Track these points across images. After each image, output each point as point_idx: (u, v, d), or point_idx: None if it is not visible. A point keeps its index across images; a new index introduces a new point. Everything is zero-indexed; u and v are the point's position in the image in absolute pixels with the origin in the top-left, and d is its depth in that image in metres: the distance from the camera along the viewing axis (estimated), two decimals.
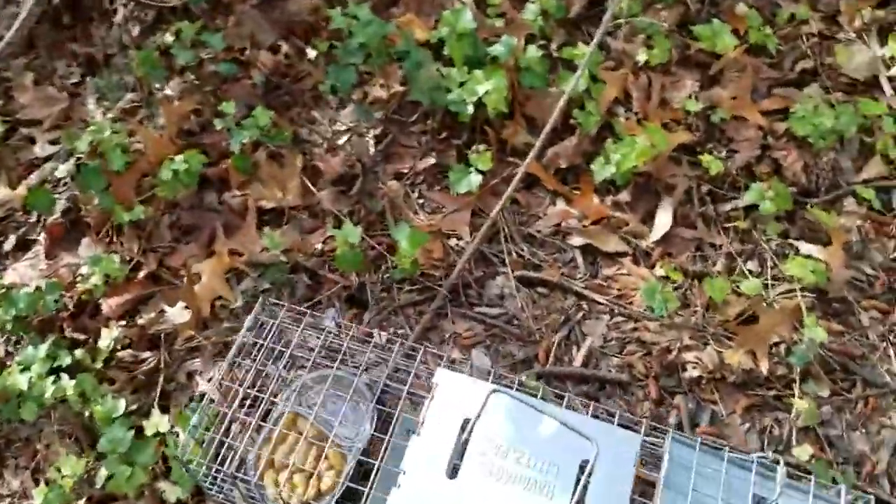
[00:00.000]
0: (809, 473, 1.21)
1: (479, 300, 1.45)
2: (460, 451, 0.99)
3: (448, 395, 1.03)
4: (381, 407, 1.21)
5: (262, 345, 1.15)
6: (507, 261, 1.48)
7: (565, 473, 0.97)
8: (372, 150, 1.60)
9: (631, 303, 1.42)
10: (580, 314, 1.42)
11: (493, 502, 0.95)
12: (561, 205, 1.54)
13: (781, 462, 0.95)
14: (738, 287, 1.40)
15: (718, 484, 0.98)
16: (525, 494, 0.96)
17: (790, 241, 1.45)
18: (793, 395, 1.30)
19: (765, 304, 1.36)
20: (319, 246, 1.51)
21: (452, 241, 1.52)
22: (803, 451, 1.24)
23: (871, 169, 1.51)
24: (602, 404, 1.32)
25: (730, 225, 1.48)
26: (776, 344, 1.35)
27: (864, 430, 1.27)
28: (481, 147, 1.58)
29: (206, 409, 1.14)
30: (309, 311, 1.16)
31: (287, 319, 1.18)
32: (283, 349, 1.20)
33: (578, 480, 0.96)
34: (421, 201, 1.57)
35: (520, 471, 0.97)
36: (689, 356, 1.34)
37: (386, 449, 1.01)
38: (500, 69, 1.54)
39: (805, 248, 1.41)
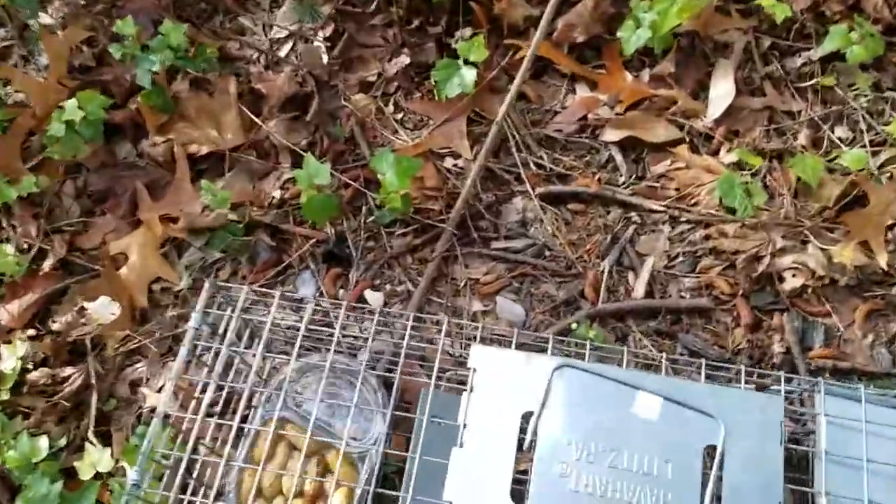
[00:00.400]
0: None
1: (496, 233, 1.11)
2: (525, 461, 0.67)
3: (492, 382, 0.71)
4: (400, 414, 0.88)
5: (224, 334, 0.81)
6: (523, 176, 1.13)
7: (685, 468, 0.66)
8: (325, 57, 1.22)
9: (696, 204, 1.09)
10: (631, 229, 1.09)
11: None
12: (583, 91, 1.18)
13: None
14: (832, 162, 1.06)
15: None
16: None
17: (885, 94, 1.11)
18: None
19: (871, 180, 1.03)
20: (277, 194, 1.15)
21: (448, 162, 1.16)
22: None
23: None
24: (680, 342, 1.00)
25: (805, 84, 1.14)
26: (891, 227, 1.02)
27: None
28: (467, 32, 1.20)
29: (161, 429, 0.81)
30: (281, 290, 0.81)
31: (252, 295, 0.84)
32: (255, 336, 0.86)
33: (706, 476, 0.64)
34: (399, 116, 1.20)
35: (618, 479, 0.66)
36: (785, 261, 1.02)
37: (414, 451, 0.69)
38: None
39: None
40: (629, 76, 1.16)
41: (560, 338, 0.81)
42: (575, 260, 1.08)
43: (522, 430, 0.68)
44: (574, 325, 1.01)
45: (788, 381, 0.75)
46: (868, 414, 0.69)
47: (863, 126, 1.09)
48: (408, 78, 1.21)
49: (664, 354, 0.76)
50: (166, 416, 0.97)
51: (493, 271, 1.09)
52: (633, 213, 1.10)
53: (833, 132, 1.10)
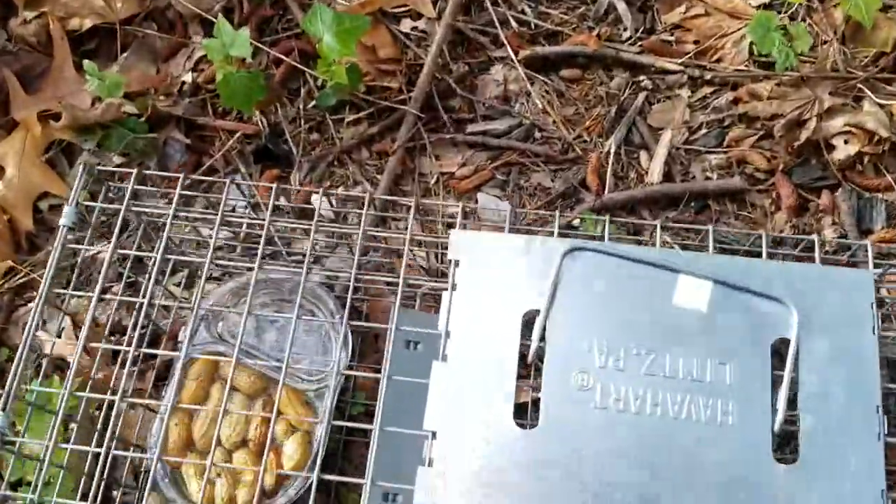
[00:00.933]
0: None
1: (472, 113, 0.88)
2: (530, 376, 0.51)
3: (482, 276, 0.52)
4: (360, 324, 0.68)
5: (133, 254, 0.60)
6: (502, 37, 0.89)
7: (748, 370, 0.49)
8: None
9: (720, 60, 0.86)
10: (641, 98, 0.86)
11: (618, 471, 0.46)
12: None
13: None
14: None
15: None
16: (682, 431, 0.47)
17: None
18: None
19: None
20: (189, 77, 0.90)
21: (406, 25, 0.92)
22: None
23: None
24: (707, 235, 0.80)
25: None
26: None
27: None
28: None
29: (28, 360, 0.62)
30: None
31: (163, 206, 0.62)
32: (171, 256, 0.64)
33: (776, 379, 0.48)
34: None
35: (659, 390, 0.48)
36: (835, 124, 0.81)
37: (385, 380, 0.50)
38: None
39: None
40: None
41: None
42: (572, 141, 0.86)
43: (525, 338, 0.50)
44: (577, 222, 0.80)
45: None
46: None
47: None
48: None
49: (710, 227, 0.55)
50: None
51: (470, 162, 0.87)
52: (642, 77, 0.87)
53: None
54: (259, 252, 0.58)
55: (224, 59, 0.80)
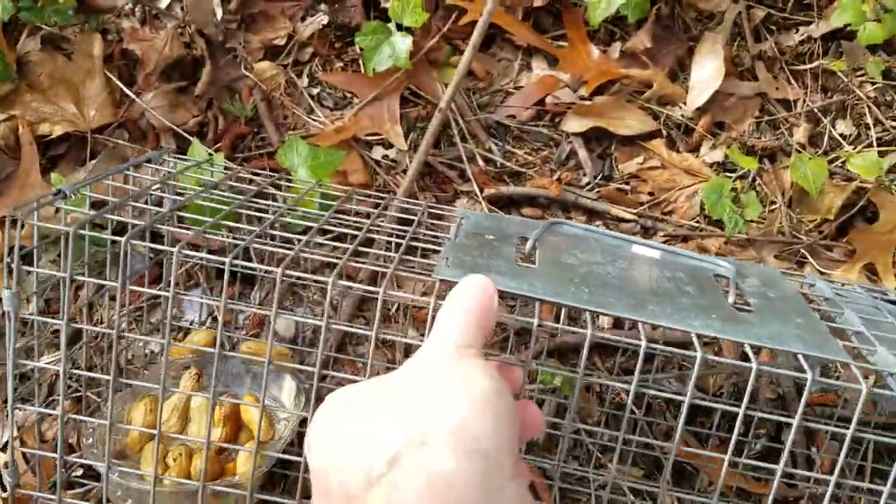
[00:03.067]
0: None
1: (439, 246, 0.90)
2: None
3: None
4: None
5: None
6: (469, 173, 0.92)
7: (700, 280, 0.54)
8: (219, 12, 0.96)
9: (672, 212, 0.90)
10: None
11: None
12: (541, 68, 0.97)
13: None
14: (833, 165, 0.90)
15: None
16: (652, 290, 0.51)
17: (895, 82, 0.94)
18: None
19: (884, 189, 0.87)
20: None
21: (378, 153, 0.94)
22: None
23: None
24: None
25: (805, 67, 0.95)
26: None
27: None
28: None
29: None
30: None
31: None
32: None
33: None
34: (316, 91, 0.96)
35: (634, 272, 0.54)
36: None
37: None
38: None
39: None
40: (596, 51, 0.95)
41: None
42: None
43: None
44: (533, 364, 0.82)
45: None
46: None
47: (869, 120, 0.92)
48: (326, 42, 0.97)
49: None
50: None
51: (430, 292, 0.89)
52: (598, 222, 0.91)
53: (834, 127, 0.93)
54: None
55: (195, 182, 0.82)
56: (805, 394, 0.43)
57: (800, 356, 0.45)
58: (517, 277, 0.48)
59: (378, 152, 0.94)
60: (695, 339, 0.45)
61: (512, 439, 0.31)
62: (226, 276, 0.51)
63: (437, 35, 0.94)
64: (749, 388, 0.43)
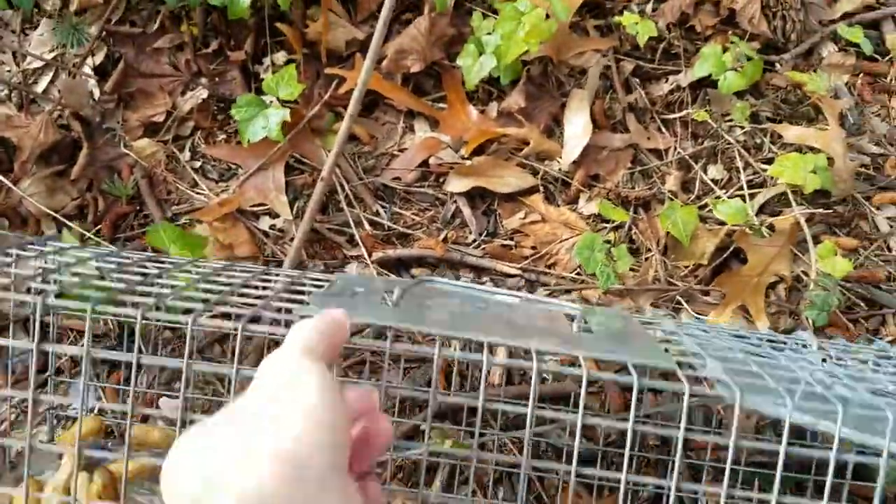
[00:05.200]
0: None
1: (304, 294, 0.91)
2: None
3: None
4: None
5: None
6: (357, 238, 0.93)
7: (555, 318, 0.56)
8: (96, 92, 0.96)
9: (554, 265, 0.93)
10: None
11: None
12: (423, 130, 0.99)
13: None
14: (705, 210, 0.93)
15: None
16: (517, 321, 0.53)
17: (764, 125, 0.98)
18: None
19: (750, 232, 0.91)
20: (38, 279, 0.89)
21: (265, 223, 0.95)
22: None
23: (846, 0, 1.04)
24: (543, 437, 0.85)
25: (674, 116, 0.99)
26: (773, 286, 0.90)
27: None
28: (280, 57, 0.98)
29: None
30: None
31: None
32: None
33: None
34: (199, 164, 0.97)
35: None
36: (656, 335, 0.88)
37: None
38: None
39: (792, 132, 0.95)
40: (474, 112, 0.97)
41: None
42: (423, 339, 0.89)
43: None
44: (421, 426, 0.84)
45: None
46: None
47: (739, 164, 0.96)
48: (207, 115, 0.97)
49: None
50: None
51: None
52: (485, 278, 0.93)
53: (706, 173, 0.97)
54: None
55: (69, 272, 0.81)
56: (634, 397, 0.45)
57: (629, 364, 0.47)
58: (375, 313, 0.49)
59: (265, 222, 0.94)
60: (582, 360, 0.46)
61: (339, 454, 0.33)
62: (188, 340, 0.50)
63: (319, 103, 0.96)
64: (582, 398, 0.45)
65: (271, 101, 0.92)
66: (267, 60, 0.98)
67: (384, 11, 0.83)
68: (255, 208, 0.95)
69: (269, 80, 0.91)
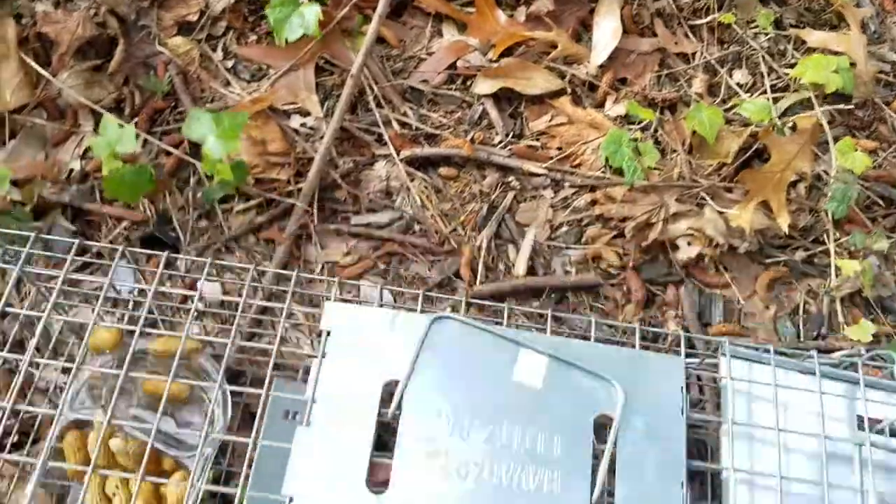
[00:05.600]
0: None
1: (357, 206, 0.93)
2: (386, 442, 0.56)
3: (350, 346, 0.57)
4: (236, 388, 0.69)
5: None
6: (386, 137, 0.95)
7: (575, 443, 0.55)
8: None
9: (580, 165, 0.95)
10: (510, 196, 0.94)
11: None
12: (451, 34, 1.00)
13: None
14: (731, 113, 0.95)
15: (808, 411, 0.58)
16: (514, 498, 0.53)
17: (787, 31, 1.00)
18: (829, 255, 0.89)
19: (773, 132, 0.92)
20: (78, 165, 0.92)
21: (296, 121, 0.97)
22: (861, 331, 0.85)
23: None
24: (565, 325, 0.87)
25: (700, 22, 1.00)
26: (795, 184, 0.92)
27: None
28: None
29: None
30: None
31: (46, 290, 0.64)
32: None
33: (597, 451, 0.54)
34: (231, 64, 0.99)
35: (496, 459, 0.54)
36: (679, 227, 0.90)
37: (253, 451, 0.54)
38: None
39: (814, 37, 0.96)
40: (503, 16, 0.99)
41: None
42: (449, 234, 0.92)
43: (385, 402, 0.55)
44: (448, 311, 0.86)
45: (690, 345, 0.64)
46: (779, 378, 0.59)
47: (763, 69, 0.98)
48: (239, 16, 0.99)
49: (549, 311, 0.63)
50: None
51: (354, 251, 0.92)
52: (511, 178, 0.95)
53: (731, 77, 0.98)
54: (140, 321, 0.60)
55: (111, 154, 0.84)
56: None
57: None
58: None
59: (296, 121, 0.96)
60: None
61: None
62: None
63: (349, 4, 0.97)
64: None
65: (304, 1, 0.94)
66: None
67: None
68: (287, 107, 0.97)
69: None
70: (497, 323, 0.75)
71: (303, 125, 0.96)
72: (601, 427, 0.55)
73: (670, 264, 0.90)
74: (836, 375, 0.61)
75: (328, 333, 0.57)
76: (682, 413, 0.56)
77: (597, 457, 0.54)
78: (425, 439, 0.54)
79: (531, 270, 0.90)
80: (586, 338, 0.63)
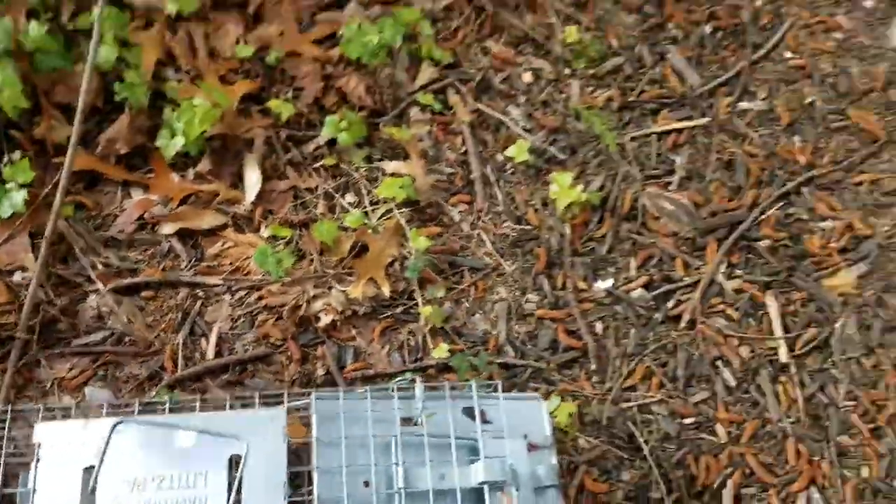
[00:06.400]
0: (453, 370, 1.32)
1: (75, 331, 1.24)
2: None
3: (59, 451, 0.88)
4: None
5: None
6: (93, 276, 1.27)
7: (215, 477, 0.89)
8: None
9: (248, 273, 1.35)
10: (198, 304, 1.31)
11: None
12: (138, 195, 1.37)
13: (418, 380, 0.99)
14: (343, 224, 1.41)
15: (366, 422, 0.99)
16: None
17: (375, 164, 1.50)
18: (417, 305, 1.37)
19: (371, 232, 1.40)
20: None
21: (18, 277, 1.26)
22: (441, 351, 1.33)
23: (423, 75, 1.61)
24: (249, 387, 1.25)
25: (318, 165, 1.47)
26: (391, 264, 1.40)
27: (481, 312, 1.41)
28: (15, 155, 1.31)
29: None
30: None
31: None
32: None
33: (231, 478, 0.89)
34: None
35: (163, 496, 0.87)
36: (317, 305, 1.33)
37: None
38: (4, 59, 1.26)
39: (390, 166, 1.47)
40: (176, 177, 1.38)
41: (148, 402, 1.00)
42: (153, 339, 1.26)
43: (86, 482, 0.86)
44: (155, 394, 1.19)
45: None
46: (345, 406, 0.99)
47: (363, 191, 1.46)
48: None
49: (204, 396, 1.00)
50: None
51: (77, 366, 1.22)
52: (198, 291, 1.32)
53: (343, 199, 1.45)
54: None
55: None
56: None
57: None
58: None
59: (18, 276, 1.25)
60: None
61: None
62: None
63: (49, 186, 1.30)
64: None
65: (11, 186, 1.25)
66: (6, 158, 1.29)
67: (76, 121, 1.22)
68: (9, 267, 1.25)
69: (8, 172, 1.24)
70: (197, 400, 1.10)
71: (24, 278, 1.25)
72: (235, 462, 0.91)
73: (316, 331, 1.32)
74: (390, 396, 1.03)
75: (39, 445, 0.88)
76: (284, 441, 0.91)
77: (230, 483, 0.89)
78: (115, 499, 0.85)
79: (219, 353, 1.27)
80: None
